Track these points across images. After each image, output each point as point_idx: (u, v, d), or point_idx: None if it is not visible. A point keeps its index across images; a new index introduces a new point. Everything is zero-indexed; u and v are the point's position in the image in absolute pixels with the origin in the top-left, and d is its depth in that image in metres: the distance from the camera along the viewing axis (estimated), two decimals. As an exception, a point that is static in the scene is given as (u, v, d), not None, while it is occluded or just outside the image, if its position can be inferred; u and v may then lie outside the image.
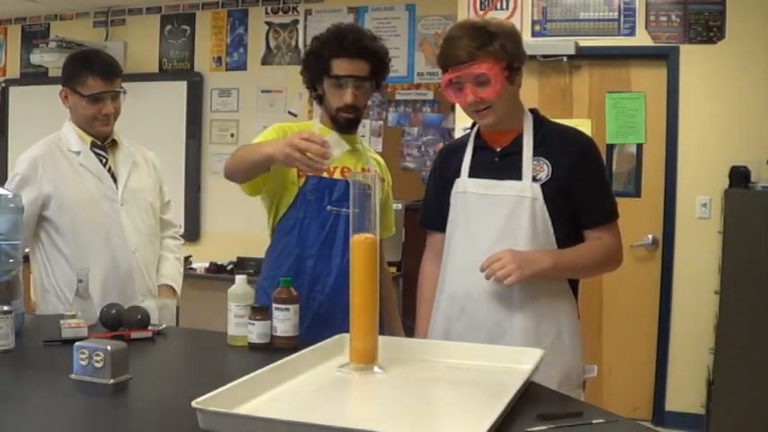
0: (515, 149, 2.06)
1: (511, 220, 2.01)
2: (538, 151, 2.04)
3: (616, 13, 4.43)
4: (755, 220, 3.83)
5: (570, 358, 2.05)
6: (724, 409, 3.82)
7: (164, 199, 2.90)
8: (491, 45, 1.97)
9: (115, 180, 2.67)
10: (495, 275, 1.93)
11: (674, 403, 4.37)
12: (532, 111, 2.14)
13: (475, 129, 2.17)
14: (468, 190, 2.09)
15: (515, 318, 2.02)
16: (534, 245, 1.99)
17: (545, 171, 2.02)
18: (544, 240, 2.00)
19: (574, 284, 2.11)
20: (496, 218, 2.03)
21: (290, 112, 5.79)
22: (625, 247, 4.19)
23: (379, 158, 2.61)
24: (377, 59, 2.37)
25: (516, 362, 1.81)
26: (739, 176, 4.00)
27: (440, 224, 2.20)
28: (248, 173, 2.20)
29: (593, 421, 1.47)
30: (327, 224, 2.35)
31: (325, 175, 2.32)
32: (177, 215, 6.35)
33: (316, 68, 2.37)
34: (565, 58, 4.47)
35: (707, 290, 4.12)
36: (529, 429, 1.41)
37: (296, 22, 5.78)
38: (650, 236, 4.45)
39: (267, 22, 5.86)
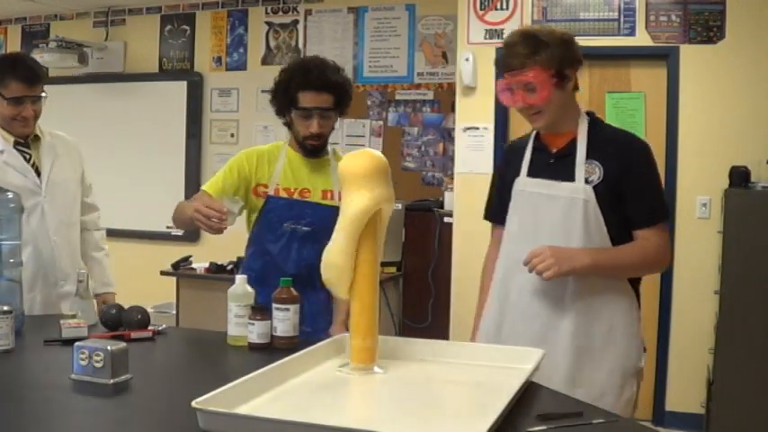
0: (569, 152, 2.14)
1: (565, 220, 2.09)
2: (591, 154, 2.11)
3: (616, 13, 4.43)
4: (755, 220, 3.83)
5: (623, 350, 2.11)
6: (724, 409, 3.82)
7: (85, 183, 3.02)
8: (539, 54, 2.06)
9: (39, 174, 2.78)
10: (535, 269, 2.01)
11: (674, 403, 4.37)
12: (589, 113, 2.21)
13: (535, 130, 2.26)
14: (526, 189, 2.19)
15: (566, 313, 2.09)
16: (588, 243, 2.07)
17: (597, 173, 2.09)
18: (598, 239, 2.08)
19: (633, 279, 2.17)
20: (552, 216, 2.12)
21: (290, 112, 5.79)
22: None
23: None
24: (340, 91, 2.53)
25: (516, 362, 1.81)
26: (739, 176, 4.00)
27: (504, 219, 2.29)
28: (188, 227, 2.46)
29: (593, 421, 1.47)
30: (284, 238, 2.56)
31: (284, 195, 2.57)
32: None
33: (284, 100, 2.54)
34: (565, 58, 4.47)
35: (707, 290, 4.12)
36: (529, 429, 1.41)
37: (296, 22, 5.78)
38: (650, 236, 4.44)
39: (267, 22, 5.86)
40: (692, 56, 4.31)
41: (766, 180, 4.02)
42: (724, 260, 3.88)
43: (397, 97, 5.48)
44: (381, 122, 5.49)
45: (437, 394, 1.71)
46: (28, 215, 2.70)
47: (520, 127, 4.67)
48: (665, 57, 4.37)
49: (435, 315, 4.73)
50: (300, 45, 5.75)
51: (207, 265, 5.52)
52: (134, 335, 2.16)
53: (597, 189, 2.07)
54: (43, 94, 2.75)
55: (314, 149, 2.58)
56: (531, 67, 2.06)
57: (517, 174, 2.23)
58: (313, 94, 2.47)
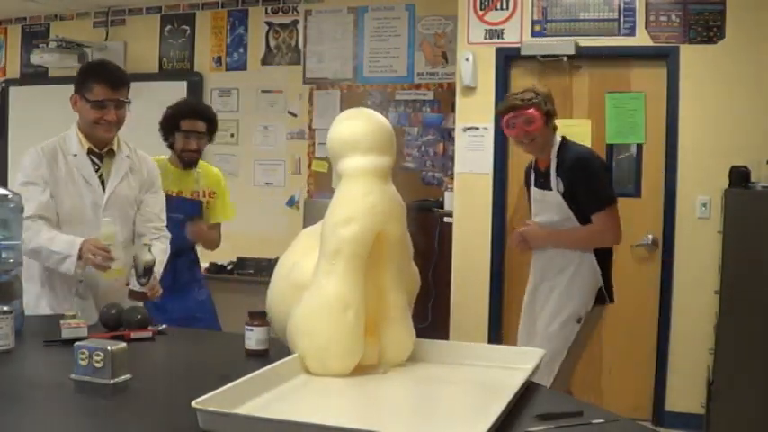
0: (549, 171, 3.16)
1: (551, 215, 3.16)
2: (558, 170, 3.12)
3: (616, 13, 4.43)
4: (755, 220, 3.82)
5: (574, 300, 3.10)
6: (724, 409, 3.82)
7: (155, 209, 2.98)
8: (536, 99, 3.12)
9: (104, 187, 2.79)
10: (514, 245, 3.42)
11: (673, 403, 4.37)
12: (563, 137, 3.20)
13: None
14: (533, 195, 3.29)
15: (548, 272, 3.17)
16: (563, 227, 3.14)
17: (561, 184, 3.11)
18: (569, 225, 3.11)
19: (601, 258, 3.13)
20: (545, 213, 3.21)
21: (289, 112, 5.79)
22: (625, 247, 4.24)
23: (215, 172, 3.83)
24: (211, 120, 3.65)
25: (516, 362, 1.81)
26: (739, 176, 3.99)
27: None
28: None
29: (593, 421, 1.47)
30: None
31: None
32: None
33: (170, 126, 3.57)
34: (565, 58, 4.47)
35: (707, 290, 4.12)
36: (529, 429, 1.41)
37: (296, 22, 5.78)
38: (650, 236, 4.45)
39: (267, 22, 5.86)
40: (692, 56, 4.30)
41: (766, 180, 4.02)
42: (724, 260, 3.88)
43: (397, 97, 5.49)
44: (381, 122, 5.49)
45: (437, 394, 1.72)
46: (82, 226, 2.68)
47: (520, 127, 4.67)
48: (665, 57, 4.36)
49: (435, 315, 4.72)
50: (300, 45, 5.75)
51: (207, 265, 5.51)
52: (134, 335, 2.16)
53: (564, 195, 3.10)
54: (127, 100, 2.80)
55: (189, 161, 3.62)
56: (531, 107, 3.09)
57: (529, 184, 3.33)
58: (191, 121, 3.55)
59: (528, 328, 3.27)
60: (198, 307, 3.66)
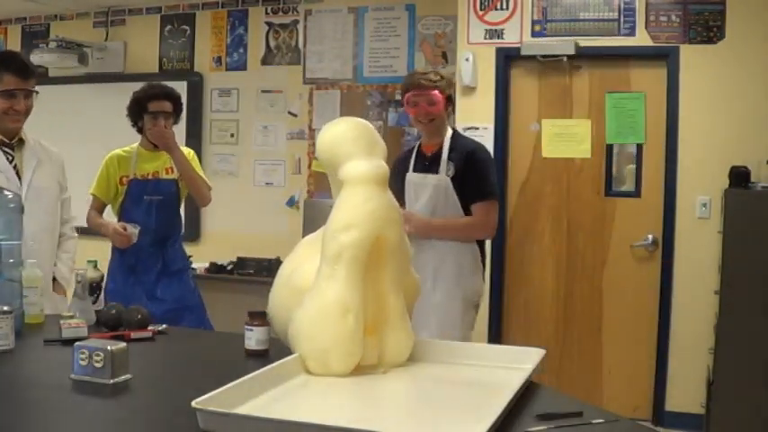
0: (438, 155, 3.19)
1: (432, 199, 3.16)
2: (450, 156, 3.16)
3: (616, 13, 4.43)
4: (755, 220, 3.83)
5: (469, 287, 3.17)
6: (724, 409, 3.82)
7: (64, 195, 3.08)
8: (442, 82, 3.17)
9: (20, 177, 2.85)
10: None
11: (673, 403, 4.37)
12: (453, 129, 3.28)
13: (418, 142, 3.36)
14: (411, 180, 3.24)
15: (429, 259, 3.09)
16: (445, 212, 3.15)
17: (451, 169, 3.14)
18: (453, 211, 3.15)
19: (482, 245, 3.23)
20: (425, 197, 3.18)
21: (290, 113, 5.79)
22: (625, 247, 4.24)
23: (185, 149, 3.77)
24: (176, 100, 3.65)
25: (516, 362, 1.81)
26: (739, 176, 3.99)
27: (400, 201, 3.12)
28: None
29: (593, 421, 1.47)
30: (144, 207, 3.59)
31: (138, 176, 3.62)
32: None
33: (138, 109, 3.60)
34: (565, 58, 4.47)
35: (707, 290, 4.12)
36: (529, 429, 1.41)
37: (296, 22, 5.78)
38: (650, 236, 4.45)
39: (267, 22, 5.86)
40: (692, 56, 4.31)
41: (766, 180, 4.02)
42: (724, 260, 3.88)
43: (397, 97, 5.48)
44: (381, 123, 5.49)
45: (437, 394, 1.72)
46: None
47: (520, 128, 4.67)
48: (665, 57, 4.37)
49: (435, 315, 4.72)
50: (300, 45, 5.75)
51: (207, 265, 5.52)
52: (134, 335, 2.16)
53: (452, 179, 3.12)
54: (35, 90, 2.82)
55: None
56: (435, 88, 3.13)
57: (407, 170, 3.26)
58: (158, 102, 3.57)
59: (420, 311, 3.19)
60: (189, 295, 3.72)
